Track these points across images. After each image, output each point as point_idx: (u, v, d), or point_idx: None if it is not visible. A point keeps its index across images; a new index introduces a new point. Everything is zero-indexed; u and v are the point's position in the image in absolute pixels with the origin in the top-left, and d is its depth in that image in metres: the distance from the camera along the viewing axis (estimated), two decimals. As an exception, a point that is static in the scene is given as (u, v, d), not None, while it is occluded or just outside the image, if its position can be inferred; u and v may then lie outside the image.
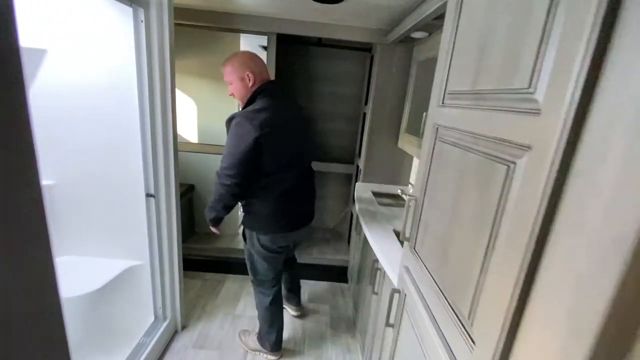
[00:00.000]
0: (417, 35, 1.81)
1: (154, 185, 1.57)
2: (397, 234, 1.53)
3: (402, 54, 2.12)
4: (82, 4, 1.37)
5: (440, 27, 1.56)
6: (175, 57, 2.40)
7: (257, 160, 1.29)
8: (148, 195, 1.58)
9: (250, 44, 3.03)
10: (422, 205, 0.84)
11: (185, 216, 2.89)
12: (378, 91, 2.19)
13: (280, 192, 1.41)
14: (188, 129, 2.75)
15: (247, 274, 1.68)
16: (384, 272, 1.31)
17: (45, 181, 1.58)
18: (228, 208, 1.40)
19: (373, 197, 2.08)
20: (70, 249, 1.68)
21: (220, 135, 2.81)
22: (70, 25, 1.39)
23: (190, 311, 2.05)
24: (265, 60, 2.22)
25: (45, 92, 1.46)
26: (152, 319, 1.76)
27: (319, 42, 2.49)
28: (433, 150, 0.80)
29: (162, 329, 1.75)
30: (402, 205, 2.08)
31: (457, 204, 0.67)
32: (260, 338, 1.74)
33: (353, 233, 2.34)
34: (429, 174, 0.82)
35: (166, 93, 1.50)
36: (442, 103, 0.77)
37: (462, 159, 0.67)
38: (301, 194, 1.52)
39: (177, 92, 2.69)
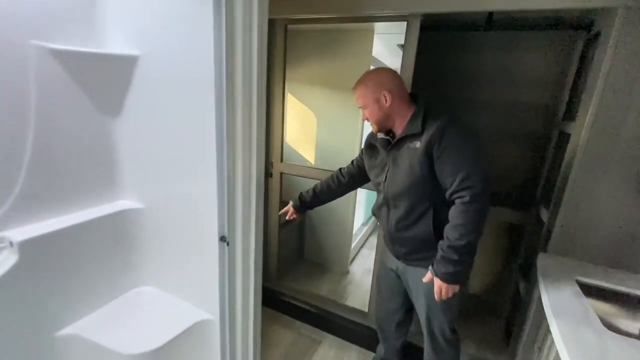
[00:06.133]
0: None
1: (227, 227, 1.18)
2: None
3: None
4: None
5: None
6: (296, 63, 2.05)
7: None
8: (221, 238, 1.20)
9: (387, 43, 2.43)
10: None
11: (294, 241, 2.59)
12: (606, 98, 1.19)
13: None
14: (306, 147, 2.40)
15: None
16: None
17: (137, 204, 1.44)
18: None
19: (581, 293, 1.10)
20: (149, 279, 1.51)
21: (339, 159, 2.22)
22: (156, 29, 1.16)
23: (271, 380, 1.61)
24: (400, 60, 1.55)
25: (137, 102, 1.29)
26: (219, 389, 1.39)
27: (488, 24, 1.63)
28: None
29: (228, 407, 1.36)
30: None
31: None
32: None
33: (527, 330, 1.39)
34: None
35: (252, 113, 1.08)
36: None
37: None
38: None
39: (297, 103, 2.38)
